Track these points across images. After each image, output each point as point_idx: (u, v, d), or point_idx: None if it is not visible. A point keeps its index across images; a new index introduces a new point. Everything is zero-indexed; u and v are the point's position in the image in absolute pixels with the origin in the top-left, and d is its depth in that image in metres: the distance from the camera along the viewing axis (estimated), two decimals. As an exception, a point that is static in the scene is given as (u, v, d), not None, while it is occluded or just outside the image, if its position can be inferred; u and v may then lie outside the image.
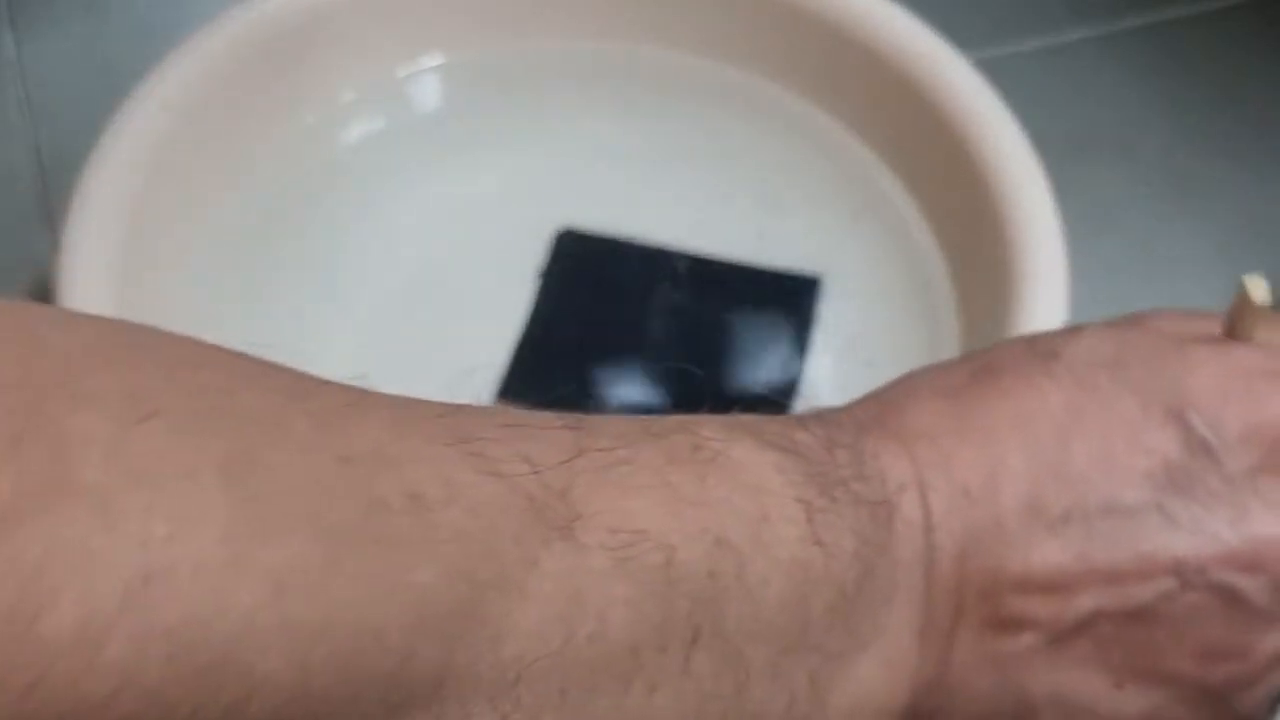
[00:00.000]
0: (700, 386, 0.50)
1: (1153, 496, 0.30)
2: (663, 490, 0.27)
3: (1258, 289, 0.32)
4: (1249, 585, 0.30)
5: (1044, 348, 0.32)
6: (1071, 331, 0.32)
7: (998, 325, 0.46)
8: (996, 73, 0.52)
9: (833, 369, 0.51)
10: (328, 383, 0.26)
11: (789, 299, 0.52)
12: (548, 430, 0.27)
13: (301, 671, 0.22)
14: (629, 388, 0.50)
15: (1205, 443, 0.30)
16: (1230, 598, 0.30)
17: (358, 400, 0.25)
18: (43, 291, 0.54)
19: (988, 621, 0.30)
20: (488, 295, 0.52)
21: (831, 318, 0.52)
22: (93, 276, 0.46)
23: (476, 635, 0.24)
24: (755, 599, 0.27)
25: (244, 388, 0.24)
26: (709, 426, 0.29)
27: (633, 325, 0.51)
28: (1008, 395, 0.31)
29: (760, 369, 0.50)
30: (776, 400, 0.50)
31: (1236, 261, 0.55)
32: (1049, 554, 0.29)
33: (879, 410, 0.31)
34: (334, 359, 0.50)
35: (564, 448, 0.26)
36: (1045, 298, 0.46)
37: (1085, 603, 0.29)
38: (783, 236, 0.53)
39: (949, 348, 0.50)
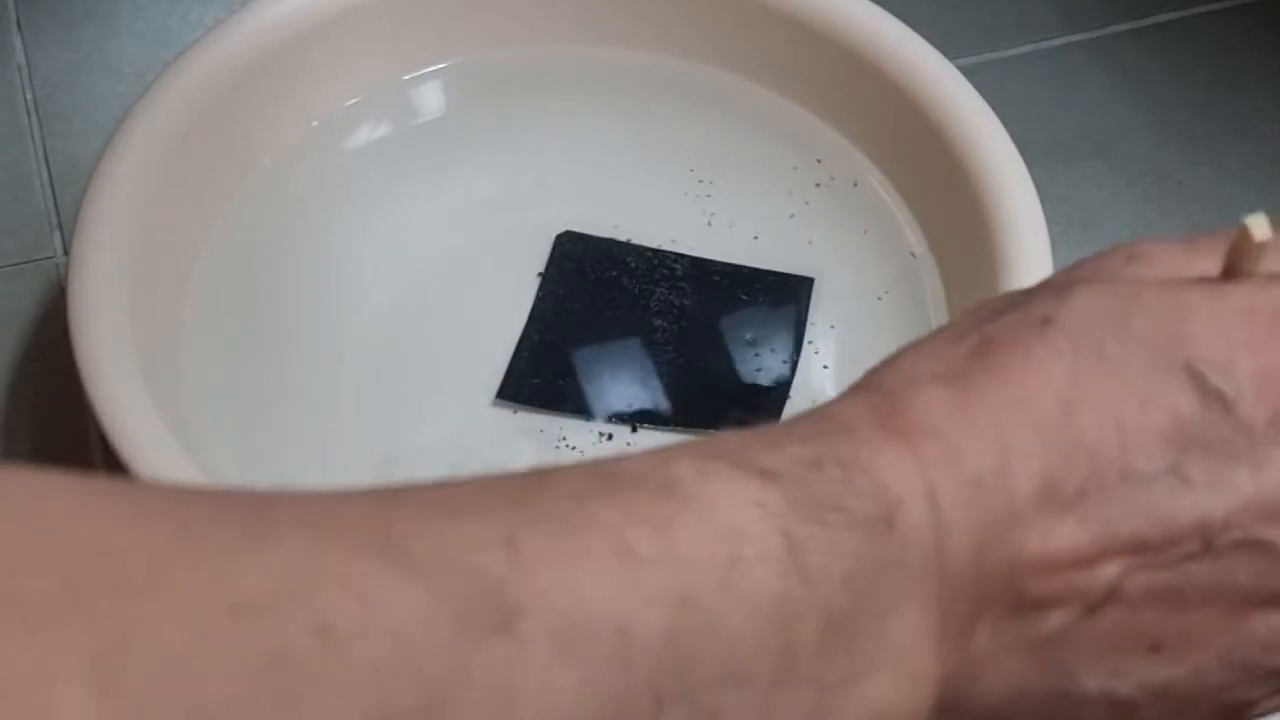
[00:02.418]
0: (698, 386, 0.51)
1: (1167, 458, 0.28)
2: (618, 556, 0.25)
3: (1259, 227, 0.30)
4: (1276, 534, 0.29)
5: (1038, 313, 0.30)
6: (1061, 290, 0.31)
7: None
8: (984, 78, 0.52)
9: (824, 367, 0.52)
10: (235, 500, 0.24)
11: (784, 299, 0.52)
12: (488, 509, 0.25)
13: None
14: (628, 387, 0.51)
15: (1217, 393, 0.29)
16: (1260, 550, 0.29)
17: (264, 525, 0.23)
18: (54, 295, 0.55)
19: (1011, 607, 0.29)
20: (488, 295, 0.53)
21: (824, 317, 0.52)
22: (103, 280, 0.47)
23: None
24: (730, 649, 0.26)
25: (124, 539, 0.21)
26: (684, 460, 0.27)
27: (631, 325, 0.52)
28: (1009, 375, 0.29)
29: (756, 367, 0.51)
30: (772, 395, 0.51)
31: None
32: (1068, 534, 0.28)
33: (878, 406, 0.30)
34: (338, 359, 0.51)
35: (504, 526, 0.24)
36: (1032, 298, 0.47)
37: (1112, 574, 0.28)
38: (778, 238, 0.54)
39: (939, 347, 0.50)
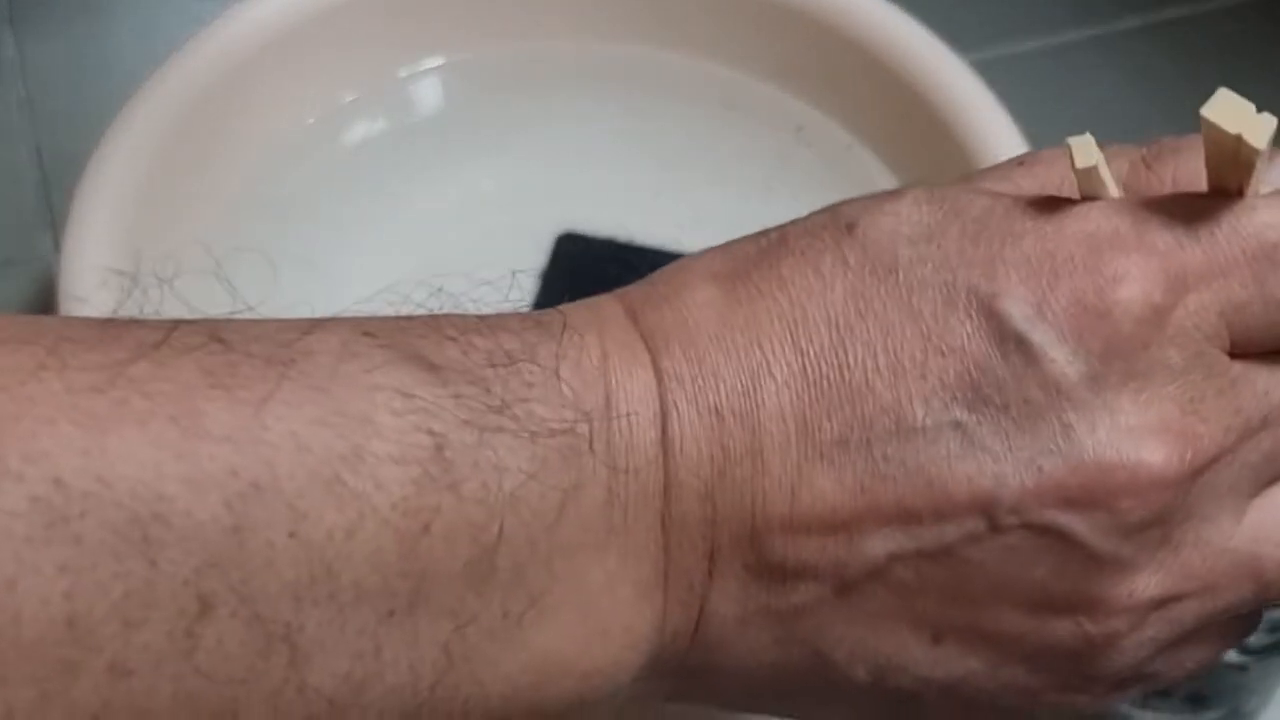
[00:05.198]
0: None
1: (952, 413, 0.23)
2: (176, 426, 0.21)
3: (1082, 152, 0.25)
4: (1081, 526, 0.23)
5: (847, 215, 0.26)
6: (891, 196, 0.26)
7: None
8: (994, 74, 0.52)
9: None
10: None
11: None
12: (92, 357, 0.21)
13: None
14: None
15: (1021, 340, 0.23)
16: (1059, 541, 0.23)
17: None
18: (46, 291, 0.54)
19: (754, 569, 0.24)
20: (487, 295, 0.52)
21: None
22: (94, 277, 0.46)
23: None
24: (326, 559, 0.21)
25: None
26: (337, 333, 0.23)
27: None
28: (785, 283, 0.24)
29: None
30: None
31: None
32: (821, 487, 0.23)
33: (640, 300, 0.25)
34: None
35: (57, 376, 0.21)
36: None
37: (874, 546, 0.24)
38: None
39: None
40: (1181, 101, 0.60)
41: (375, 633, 0.22)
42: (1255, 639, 0.36)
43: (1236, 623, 0.26)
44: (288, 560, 0.21)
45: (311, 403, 0.22)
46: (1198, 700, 0.38)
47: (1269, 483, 0.25)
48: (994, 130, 0.50)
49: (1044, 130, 0.51)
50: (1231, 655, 0.36)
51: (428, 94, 0.56)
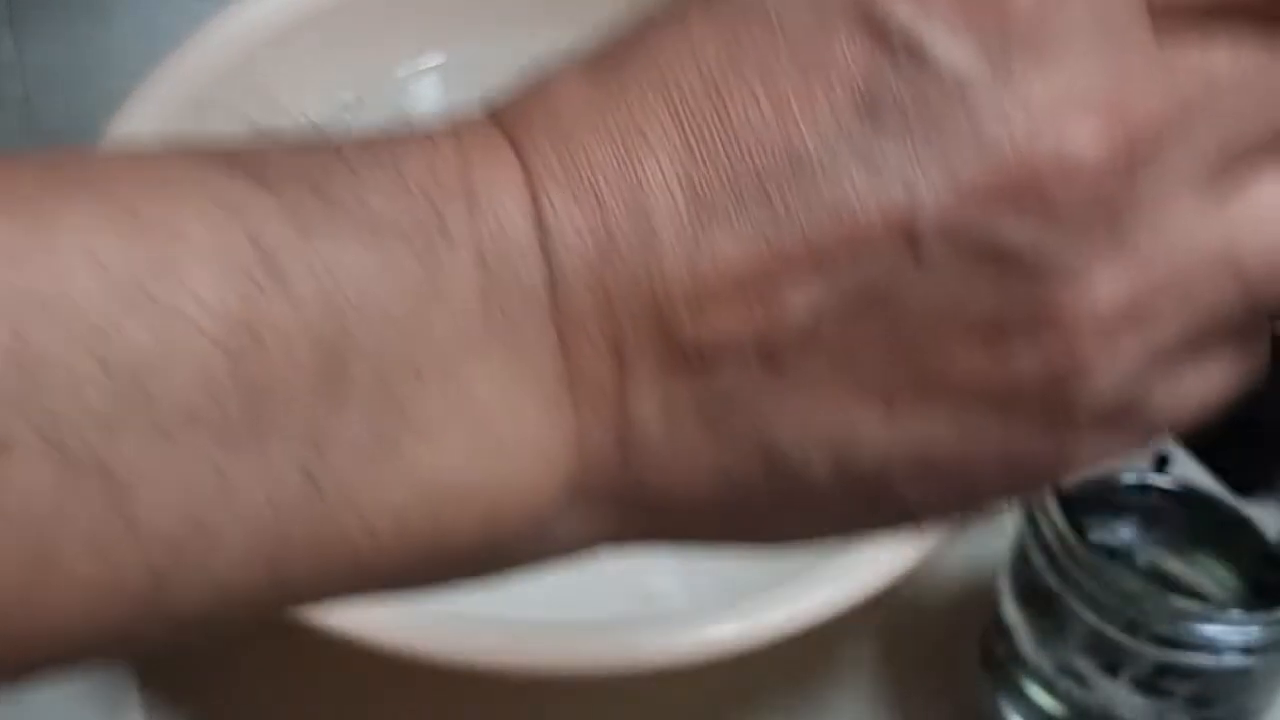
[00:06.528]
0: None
1: (846, 136, 0.21)
2: None
3: None
4: (1015, 231, 0.21)
5: None
6: None
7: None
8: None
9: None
10: None
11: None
12: None
13: None
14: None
15: (907, 39, 0.21)
16: (994, 253, 0.21)
17: None
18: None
19: (667, 359, 0.22)
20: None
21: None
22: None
23: None
24: (140, 382, 0.19)
25: None
26: (169, 154, 0.21)
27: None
28: (653, 54, 0.22)
29: None
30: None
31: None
32: (721, 250, 0.21)
33: (500, 103, 0.23)
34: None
35: None
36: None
37: (792, 303, 0.21)
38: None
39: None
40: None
41: (216, 462, 0.20)
42: (1256, 639, 0.35)
43: (1236, 341, 0.23)
44: (94, 388, 0.19)
45: (108, 218, 0.20)
46: (1199, 700, 0.37)
47: (1234, 169, 0.22)
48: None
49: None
50: (1234, 656, 0.36)
51: (426, 93, 0.56)
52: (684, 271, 0.21)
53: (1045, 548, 0.37)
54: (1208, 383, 0.23)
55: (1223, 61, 0.22)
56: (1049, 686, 0.39)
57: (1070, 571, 0.36)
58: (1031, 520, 0.37)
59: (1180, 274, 0.21)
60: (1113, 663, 0.37)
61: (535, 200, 0.21)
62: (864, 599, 0.40)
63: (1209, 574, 0.40)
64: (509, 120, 0.23)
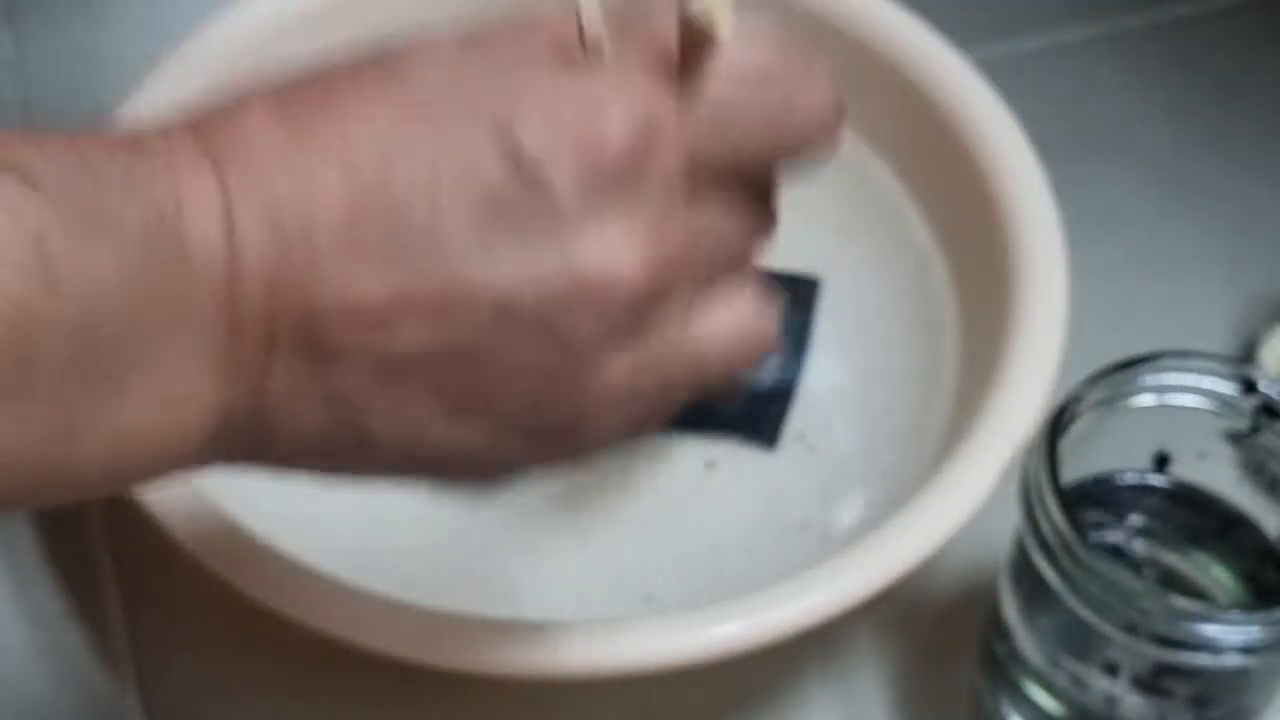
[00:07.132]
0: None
1: (476, 227, 0.28)
2: None
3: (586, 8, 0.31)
4: (567, 324, 0.29)
5: (397, 49, 0.31)
6: (430, 39, 0.31)
7: (997, 325, 0.46)
8: (997, 72, 0.52)
9: (832, 369, 0.51)
10: None
11: (789, 298, 0.51)
12: None
13: None
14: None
15: (536, 169, 0.29)
16: (553, 336, 0.29)
17: None
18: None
19: (307, 355, 0.29)
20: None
21: (831, 317, 0.52)
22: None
23: None
24: None
25: None
26: None
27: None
28: (334, 111, 0.29)
29: (760, 368, 0.50)
30: (775, 398, 0.50)
31: (1238, 261, 0.55)
32: (365, 286, 0.28)
33: (207, 118, 0.30)
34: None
35: None
36: (1045, 298, 0.46)
37: (408, 337, 0.29)
38: (783, 237, 0.53)
39: (949, 348, 0.49)
40: (1184, 101, 0.60)
41: None
42: (1256, 639, 0.35)
43: (676, 401, 0.33)
44: None
45: None
46: (1199, 700, 0.37)
47: (710, 292, 0.32)
48: (996, 128, 0.50)
49: (1047, 129, 0.51)
50: (1234, 656, 0.36)
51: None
52: (336, 294, 0.28)
53: (1045, 548, 0.37)
54: (658, 424, 0.33)
55: (716, 218, 0.31)
56: (1049, 686, 0.39)
57: (1070, 571, 0.36)
58: (1031, 520, 0.37)
59: (667, 368, 0.31)
60: (1113, 663, 0.37)
61: (229, 215, 0.28)
62: (864, 599, 0.40)
63: (1209, 574, 0.40)
64: (211, 144, 0.29)
